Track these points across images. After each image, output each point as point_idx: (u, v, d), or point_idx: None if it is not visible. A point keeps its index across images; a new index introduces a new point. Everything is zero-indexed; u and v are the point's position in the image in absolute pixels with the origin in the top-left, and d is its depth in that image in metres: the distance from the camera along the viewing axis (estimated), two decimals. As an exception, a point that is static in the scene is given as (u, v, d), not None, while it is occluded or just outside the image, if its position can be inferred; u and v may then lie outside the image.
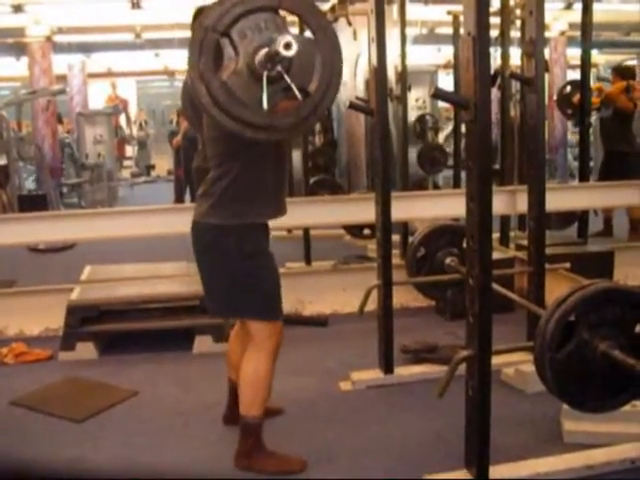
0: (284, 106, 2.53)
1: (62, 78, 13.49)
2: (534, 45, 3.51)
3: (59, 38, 11.87)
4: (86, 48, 14.17)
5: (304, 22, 2.56)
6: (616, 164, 7.02)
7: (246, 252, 2.80)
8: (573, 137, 12.87)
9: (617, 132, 7.17)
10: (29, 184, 11.65)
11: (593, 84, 7.06)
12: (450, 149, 9.11)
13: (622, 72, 7.38)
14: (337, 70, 2.57)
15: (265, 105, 2.42)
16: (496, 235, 5.37)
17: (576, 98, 7.19)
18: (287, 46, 2.33)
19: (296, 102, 2.50)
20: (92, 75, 15.53)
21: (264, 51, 2.41)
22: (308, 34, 2.60)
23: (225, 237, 2.80)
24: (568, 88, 8.13)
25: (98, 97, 16.41)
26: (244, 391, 2.93)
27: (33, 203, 8.79)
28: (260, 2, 2.46)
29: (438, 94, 2.60)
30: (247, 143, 2.62)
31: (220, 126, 2.52)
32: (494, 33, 5.07)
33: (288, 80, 2.43)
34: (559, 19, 12.38)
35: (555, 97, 8.68)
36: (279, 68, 2.41)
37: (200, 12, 2.90)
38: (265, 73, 2.41)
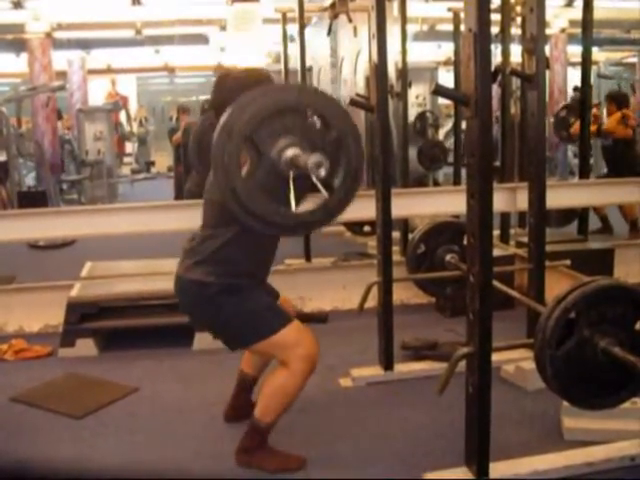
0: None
1: (62, 74, 13.46)
2: (535, 42, 3.51)
3: (59, 34, 11.85)
4: (86, 44, 14.14)
5: (324, 119, 2.53)
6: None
7: (228, 295, 2.77)
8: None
9: (621, 158, 7.28)
10: (29, 180, 11.63)
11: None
12: (449, 144, 9.11)
13: (617, 99, 7.55)
14: (360, 163, 2.61)
15: (293, 207, 2.42)
16: (496, 232, 5.36)
17: (574, 128, 7.28)
18: (318, 166, 2.32)
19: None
20: (92, 71, 15.49)
21: (291, 154, 2.40)
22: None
23: (207, 290, 2.77)
24: (564, 112, 8.19)
25: (98, 93, 16.38)
26: (265, 399, 2.87)
27: (33, 199, 8.79)
28: (282, 104, 2.45)
29: (439, 90, 2.60)
30: None
31: (246, 227, 2.51)
32: (495, 30, 5.07)
33: (314, 179, 2.41)
34: (560, 16, 12.37)
35: (552, 120, 8.77)
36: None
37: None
38: (291, 173, 2.41)
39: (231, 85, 2.78)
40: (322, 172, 2.35)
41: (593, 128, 6.94)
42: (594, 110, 7.78)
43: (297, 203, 2.45)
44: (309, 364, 2.84)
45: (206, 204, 2.86)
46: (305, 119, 2.52)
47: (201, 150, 2.97)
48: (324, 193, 2.45)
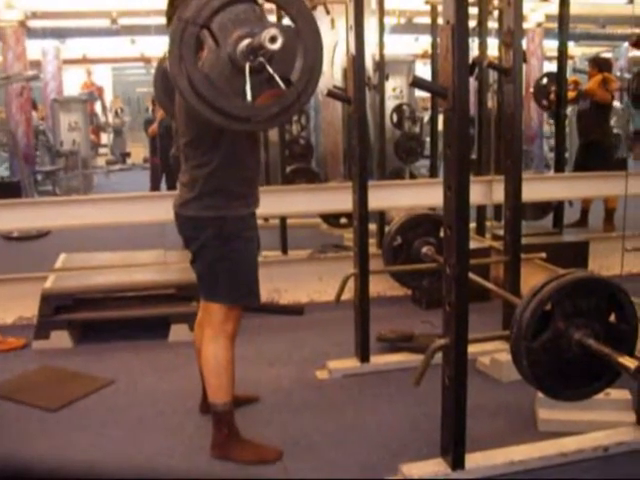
0: (267, 96, 2.51)
1: (36, 64, 13.31)
2: (512, 35, 3.52)
3: (33, 23, 11.70)
4: (61, 34, 13.98)
5: (283, 10, 2.53)
6: (592, 155, 7.09)
7: (224, 237, 2.79)
8: (549, 128, 12.96)
9: (595, 124, 7.23)
10: (2, 171, 11.51)
11: (569, 76, 7.09)
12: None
13: (599, 63, 7.43)
14: (319, 58, 2.56)
15: (249, 97, 2.40)
16: (472, 225, 5.39)
17: (552, 96, 7.26)
18: (272, 39, 2.30)
19: (279, 91, 2.47)
20: (67, 61, 15.34)
21: (246, 42, 2.38)
22: (286, 21, 2.58)
23: (203, 228, 2.80)
24: (544, 80, 8.17)
25: (73, 84, 16.22)
26: (207, 379, 2.94)
27: (6, 190, 8.70)
28: None
29: (417, 82, 2.60)
30: (224, 131, 2.61)
31: (203, 119, 2.49)
32: (472, 23, 5.08)
33: (270, 71, 2.41)
34: (536, 10, 12.43)
35: (532, 89, 8.73)
36: (261, 59, 2.39)
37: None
38: (247, 64, 2.39)
39: None
40: (277, 45, 2.31)
41: (572, 94, 6.94)
42: (573, 77, 7.76)
43: (254, 97, 2.43)
44: (230, 324, 2.89)
45: (180, 133, 2.86)
46: (262, 12, 2.53)
47: (168, 92, 2.96)
48: (281, 85, 2.44)
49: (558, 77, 5.93)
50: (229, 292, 2.86)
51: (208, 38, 2.41)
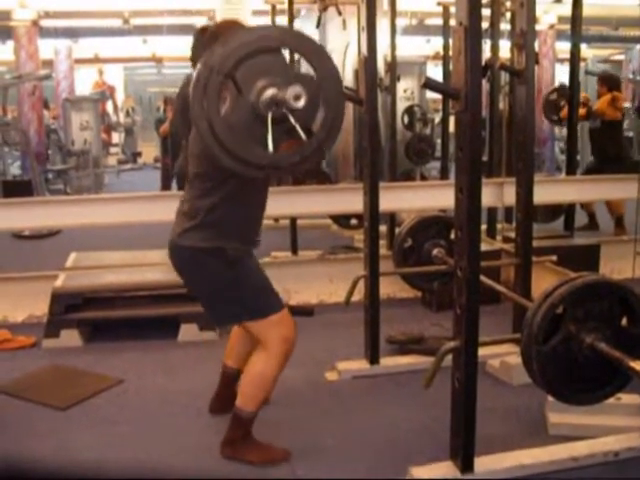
0: (288, 145, 2.50)
1: (48, 63, 13.36)
2: (524, 37, 3.51)
3: (46, 22, 11.75)
4: (73, 33, 14.01)
5: (306, 60, 2.52)
6: (607, 167, 7.08)
7: (228, 262, 2.74)
8: (559, 131, 12.92)
9: (607, 141, 7.27)
10: (14, 170, 11.55)
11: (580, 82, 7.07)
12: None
13: (608, 81, 7.49)
14: (340, 107, 2.57)
15: (270, 147, 2.40)
16: (483, 227, 5.37)
17: (563, 112, 7.27)
18: (297, 98, 2.31)
19: (300, 141, 2.47)
20: (79, 61, 15.37)
21: (270, 93, 2.38)
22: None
23: (203, 257, 2.75)
24: (554, 95, 8.17)
25: (85, 83, 16.27)
26: (246, 387, 2.90)
27: (18, 189, 8.72)
28: (263, 43, 2.43)
29: (429, 84, 2.59)
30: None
31: (222, 166, 2.48)
32: (484, 25, 5.07)
33: (293, 121, 2.40)
34: (549, 12, 12.39)
35: (543, 94, 8.73)
36: (284, 110, 2.39)
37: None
38: (270, 114, 2.39)
39: (208, 39, 2.79)
40: (301, 103, 2.33)
41: (582, 111, 6.94)
42: (583, 94, 7.77)
43: (275, 147, 2.43)
44: (288, 345, 2.85)
45: (190, 162, 2.84)
46: (285, 61, 2.55)
47: (186, 116, 2.97)
48: (302, 136, 2.44)
49: (571, 78, 5.89)
50: (245, 310, 2.81)
51: (232, 86, 2.40)
